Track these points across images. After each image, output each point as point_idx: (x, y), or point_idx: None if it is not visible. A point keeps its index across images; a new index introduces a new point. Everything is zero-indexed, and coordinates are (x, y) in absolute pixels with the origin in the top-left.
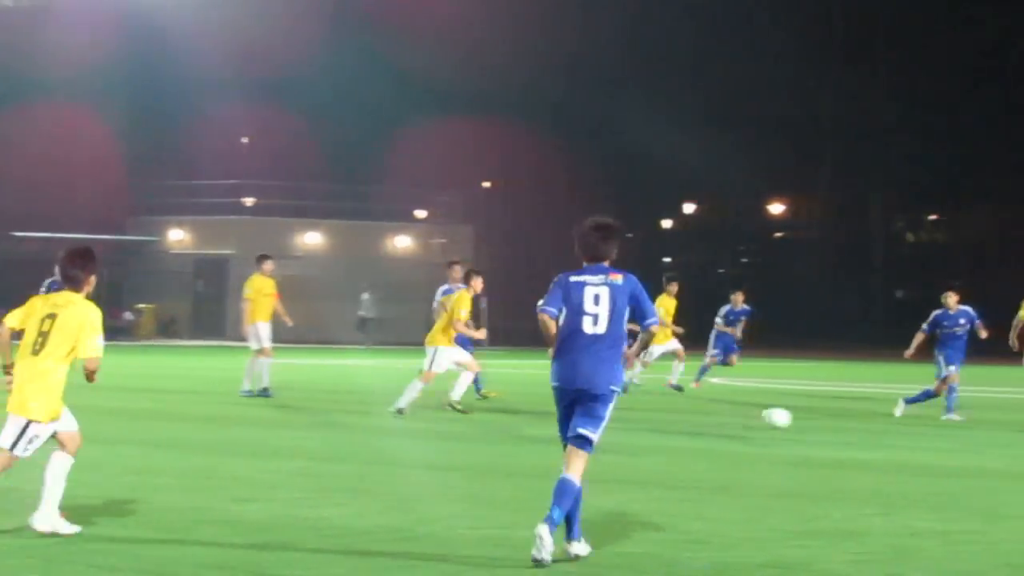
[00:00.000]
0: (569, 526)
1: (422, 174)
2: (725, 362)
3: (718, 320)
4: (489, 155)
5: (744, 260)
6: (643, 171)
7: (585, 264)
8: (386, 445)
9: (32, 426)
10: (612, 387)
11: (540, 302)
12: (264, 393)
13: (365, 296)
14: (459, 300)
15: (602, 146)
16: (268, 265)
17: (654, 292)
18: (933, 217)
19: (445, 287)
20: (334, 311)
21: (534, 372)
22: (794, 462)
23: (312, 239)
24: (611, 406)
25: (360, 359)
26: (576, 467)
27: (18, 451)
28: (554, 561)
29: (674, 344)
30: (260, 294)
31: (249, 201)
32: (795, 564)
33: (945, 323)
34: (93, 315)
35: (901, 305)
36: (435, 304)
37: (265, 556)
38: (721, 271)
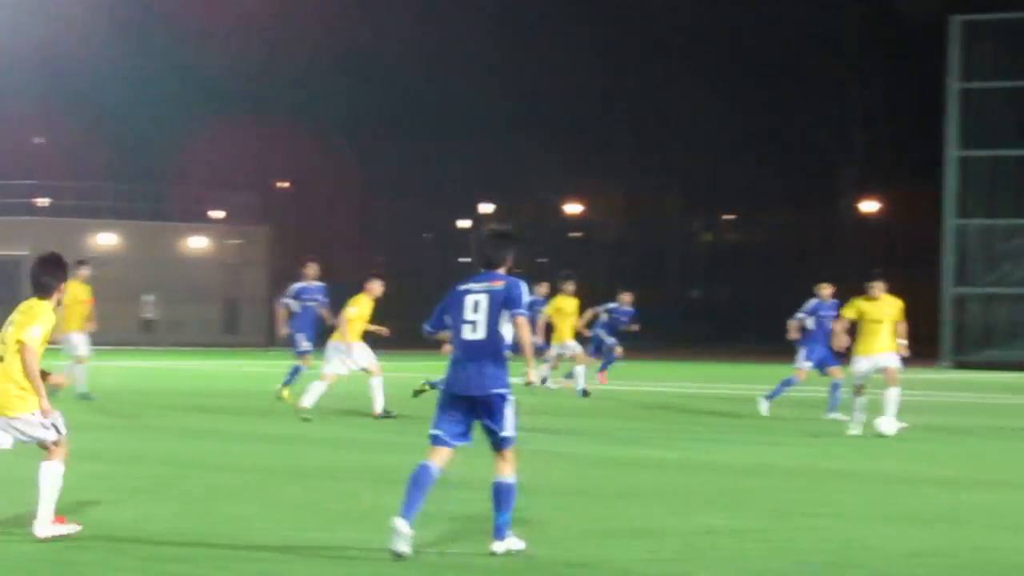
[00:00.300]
0: (410, 515)
1: (218, 175)
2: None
3: (603, 315)
4: (284, 155)
5: (541, 260)
6: (439, 171)
7: (481, 271)
8: (181, 447)
9: (37, 414)
10: (495, 391)
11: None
12: (85, 397)
13: (148, 298)
14: (354, 299)
15: (398, 146)
16: (85, 271)
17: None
18: (729, 217)
19: (300, 285)
20: (130, 313)
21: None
22: (589, 461)
23: (107, 240)
24: (507, 405)
25: (145, 360)
26: (504, 468)
27: (51, 437)
28: (338, 552)
29: (573, 346)
30: (75, 301)
31: (43, 202)
32: (590, 563)
33: (820, 312)
34: (41, 312)
35: (696, 304)
36: (285, 300)
37: (54, 559)
38: (517, 271)
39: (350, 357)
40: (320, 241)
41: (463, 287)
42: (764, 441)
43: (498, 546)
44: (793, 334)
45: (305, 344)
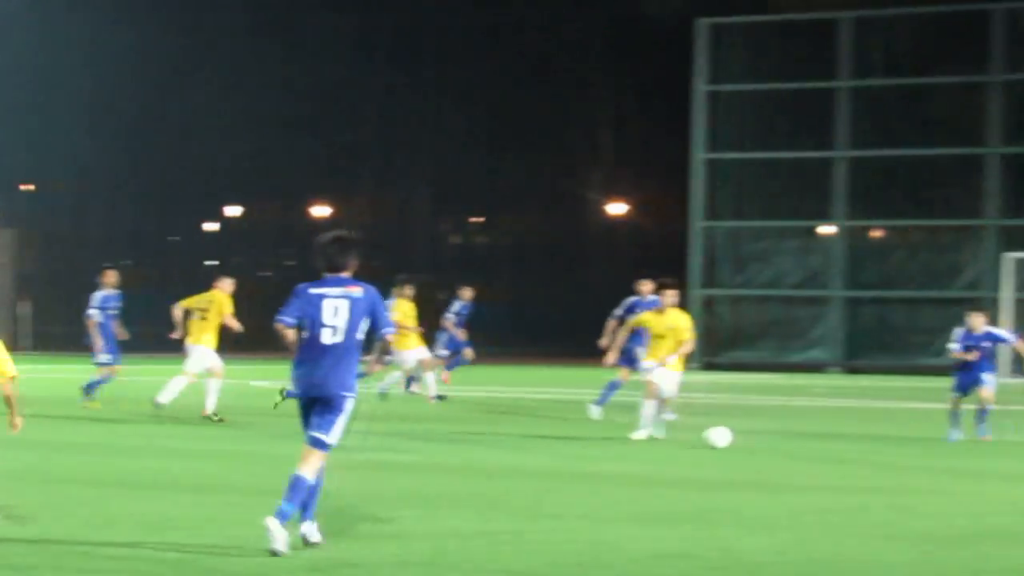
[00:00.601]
0: (304, 510)
1: None
2: (459, 359)
3: (450, 316)
4: (27, 157)
5: (289, 263)
6: (184, 173)
7: (325, 275)
8: None
9: None
10: (343, 393)
11: (279, 312)
12: None
13: None
14: (222, 303)
15: (143, 147)
16: None
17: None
18: (478, 220)
19: (102, 294)
20: None
21: (71, 377)
22: (330, 465)
23: None
24: (346, 410)
25: None
26: (309, 464)
27: None
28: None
29: (422, 352)
30: None
31: None
32: (336, 565)
33: (638, 310)
34: None
35: (444, 308)
36: (90, 311)
37: None
38: (267, 274)
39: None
40: (66, 244)
41: (316, 291)
42: (512, 442)
43: (271, 522)
44: (607, 340)
45: (104, 357)
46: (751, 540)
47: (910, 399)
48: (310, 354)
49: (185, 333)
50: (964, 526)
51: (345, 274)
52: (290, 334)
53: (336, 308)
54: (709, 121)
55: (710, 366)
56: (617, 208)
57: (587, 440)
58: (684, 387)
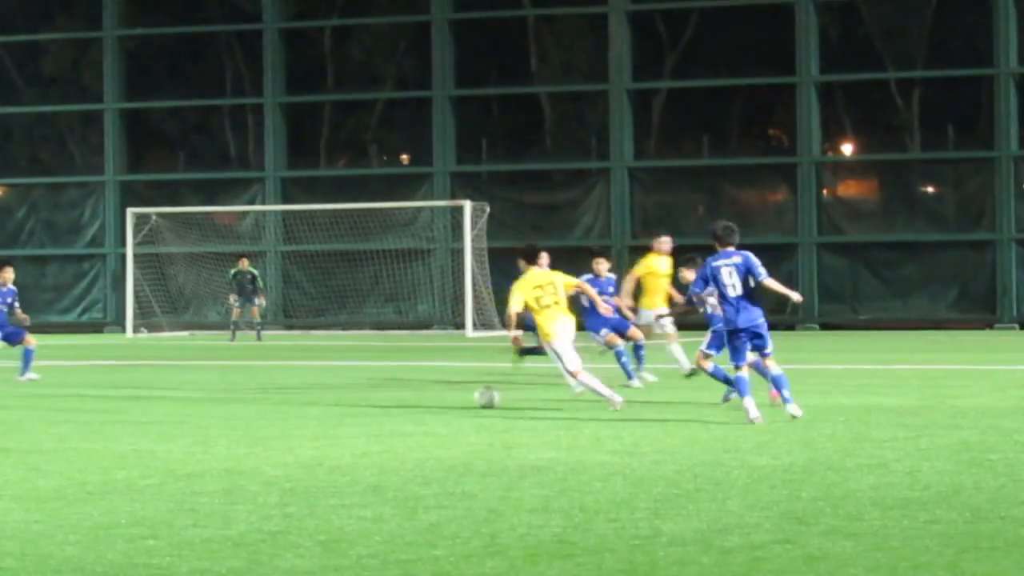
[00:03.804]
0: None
1: None
2: None
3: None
4: None
5: None
6: None
7: (719, 250)
8: None
9: None
10: (758, 322)
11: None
12: None
13: None
14: None
15: None
16: None
17: None
18: None
19: None
20: None
21: None
22: None
23: None
24: (766, 331)
25: None
26: (772, 366)
27: None
28: None
29: None
30: None
31: None
32: None
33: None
34: None
35: None
36: None
37: None
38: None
39: None
40: None
41: (715, 263)
42: None
43: (792, 408)
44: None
45: None
46: None
47: (45, 358)
48: (728, 301)
49: None
50: (93, 481)
51: (731, 248)
52: (705, 298)
53: (730, 272)
54: None
55: None
56: None
57: None
58: None
